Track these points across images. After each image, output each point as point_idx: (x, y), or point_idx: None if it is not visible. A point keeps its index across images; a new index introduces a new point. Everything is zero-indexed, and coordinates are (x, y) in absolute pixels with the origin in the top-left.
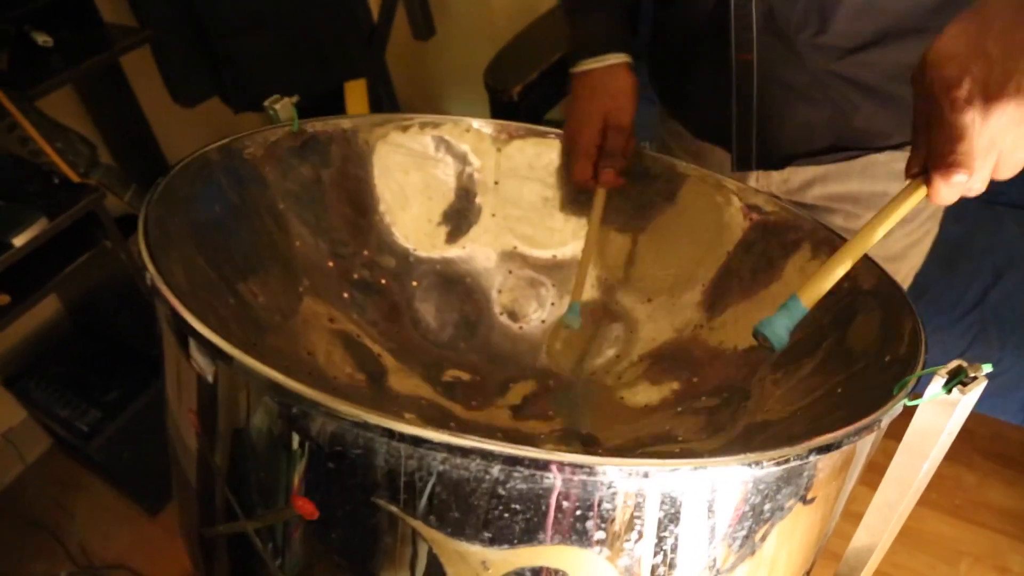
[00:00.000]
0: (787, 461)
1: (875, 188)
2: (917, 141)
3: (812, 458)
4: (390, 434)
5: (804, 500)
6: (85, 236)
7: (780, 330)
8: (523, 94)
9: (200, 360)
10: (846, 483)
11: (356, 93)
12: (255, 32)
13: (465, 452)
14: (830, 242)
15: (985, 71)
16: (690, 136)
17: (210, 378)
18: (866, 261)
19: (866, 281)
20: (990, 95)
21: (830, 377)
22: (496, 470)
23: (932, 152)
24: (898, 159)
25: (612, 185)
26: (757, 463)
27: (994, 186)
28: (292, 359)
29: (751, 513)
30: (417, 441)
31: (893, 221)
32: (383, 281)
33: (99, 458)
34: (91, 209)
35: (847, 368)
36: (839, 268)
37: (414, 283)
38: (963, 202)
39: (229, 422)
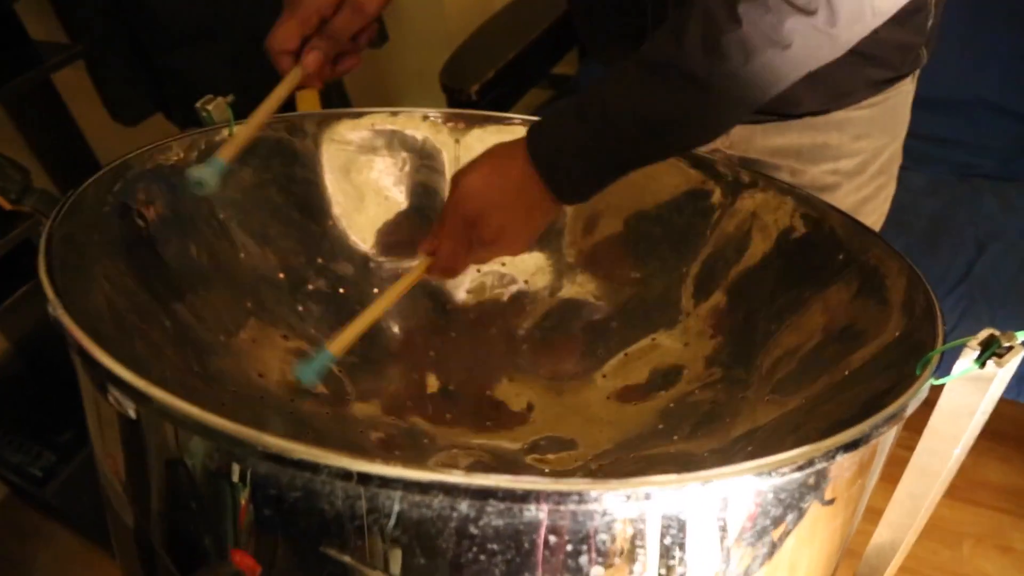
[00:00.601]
0: (811, 463)
1: (816, 140)
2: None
3: (839, 457)
4: (328, 471)
5: (824, 502)
6: (22, 267)
7: (311, 375)
8: (481, 93)
9: (119, 400)
10: (869, 480)
11: (308, 102)
12: (197, 43)
13: (424, 487)
14: (813, 208)
15: (488, 219)
16: None
17: (132, 413)
18: (860, 230)
19: (864, 251)
20: (480, 236)
21: (834, 360)
22: (464, 506)
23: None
24: (834, 116)
25: (312, 73)
26: (777, 469)
27: (969, 158)
28: (241, 383)
29: (771, 526)
30: (363, 478)
31: (404, 286)
32: (341, 290)
33: (57, 503)
34: (26, 237)
35: (852, 349)
36: (365, 322)
37: (375, 290)
38: (937, 176)
39: (156, 468)
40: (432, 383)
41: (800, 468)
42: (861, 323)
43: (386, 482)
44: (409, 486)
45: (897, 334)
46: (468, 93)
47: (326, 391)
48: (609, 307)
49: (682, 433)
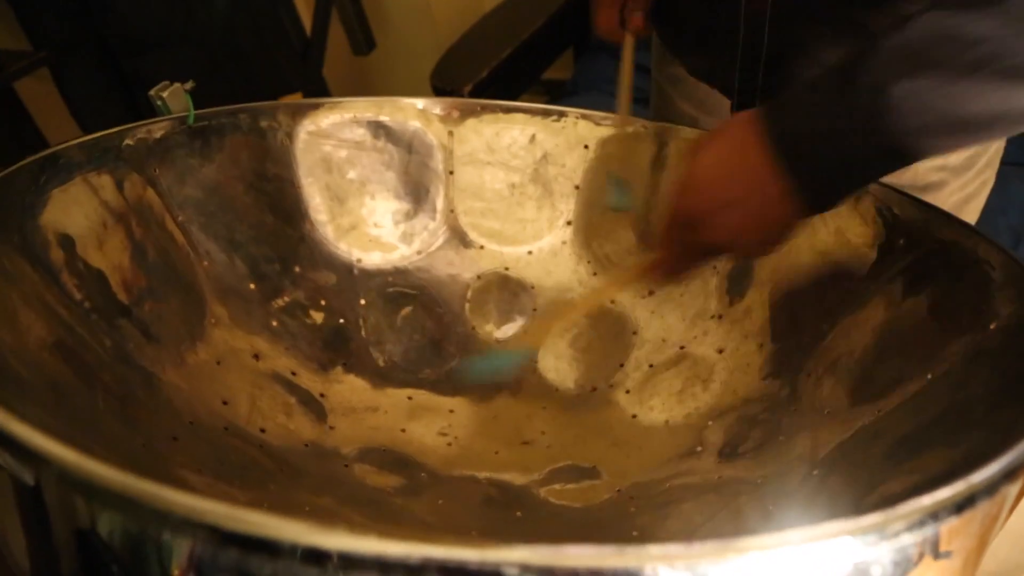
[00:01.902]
0: (971, 502)
1: None
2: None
3: (1003, 490)
4: (264, 548)
5: (938, 556)
6: None
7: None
8: (474, 94)
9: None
10: (998, 526)
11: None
12: (168, 49)
13: (413, 570)
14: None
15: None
16: (691, 82)
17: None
18: (924, 208)
19: (933, 233)
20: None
21: (911, 361)
22: None
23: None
24: None
25: (641, 30)
26: (933, 515)
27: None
28: (199, 412)
29: None
30: (313, 557)
31: (627, 281)
32: (322, 302)
33: None
34: None
35: (930, 348)
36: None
37: (362, 301)
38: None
39: (64, 541)
40: (431, 405)
41: (958, 510)
42: (938, 317)
43: (352, 561)
44: (386, 567)
45: (993, 327)
46: (461, 94)
47: (307, 421)
48: (630, 312)
49: (725, 456)
